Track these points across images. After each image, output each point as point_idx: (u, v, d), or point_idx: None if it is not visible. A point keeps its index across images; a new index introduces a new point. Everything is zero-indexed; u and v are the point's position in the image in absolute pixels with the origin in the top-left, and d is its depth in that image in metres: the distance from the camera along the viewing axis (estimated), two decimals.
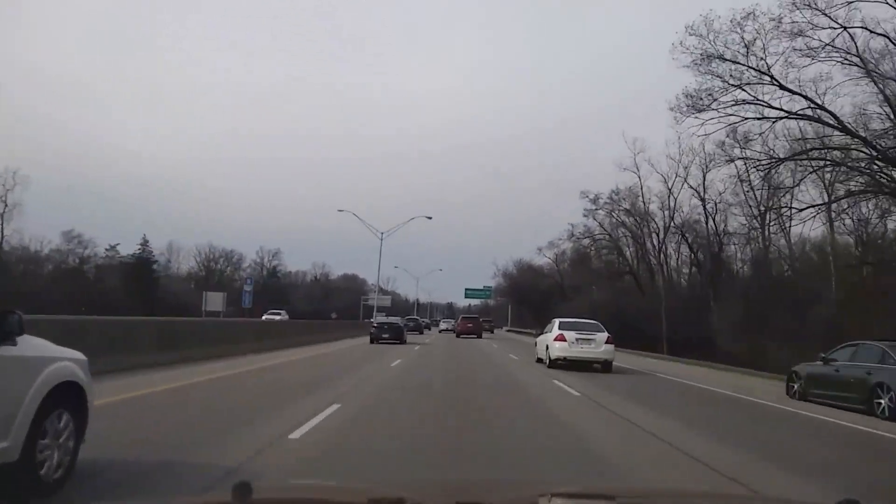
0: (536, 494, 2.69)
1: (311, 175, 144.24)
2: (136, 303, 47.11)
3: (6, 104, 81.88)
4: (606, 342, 19.02)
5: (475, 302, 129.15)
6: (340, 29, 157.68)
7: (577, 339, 18.98)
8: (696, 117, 26.56)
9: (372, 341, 30.18)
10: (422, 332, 51.28)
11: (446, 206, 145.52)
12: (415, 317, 63.06)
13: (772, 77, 24.72)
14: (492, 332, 64.20)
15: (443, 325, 66.19)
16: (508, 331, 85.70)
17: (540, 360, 21.44)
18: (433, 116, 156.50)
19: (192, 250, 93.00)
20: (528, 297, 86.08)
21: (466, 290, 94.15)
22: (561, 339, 19.07)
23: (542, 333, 22.28)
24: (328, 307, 73.61)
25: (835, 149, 26.05)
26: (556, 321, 20.45)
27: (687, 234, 49.15)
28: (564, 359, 18.95)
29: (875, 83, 23.35)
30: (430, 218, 51.25)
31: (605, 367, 19.02)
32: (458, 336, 47.09)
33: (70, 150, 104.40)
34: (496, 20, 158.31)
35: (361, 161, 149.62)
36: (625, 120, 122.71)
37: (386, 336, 30.42)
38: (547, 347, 19.78)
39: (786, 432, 9.81)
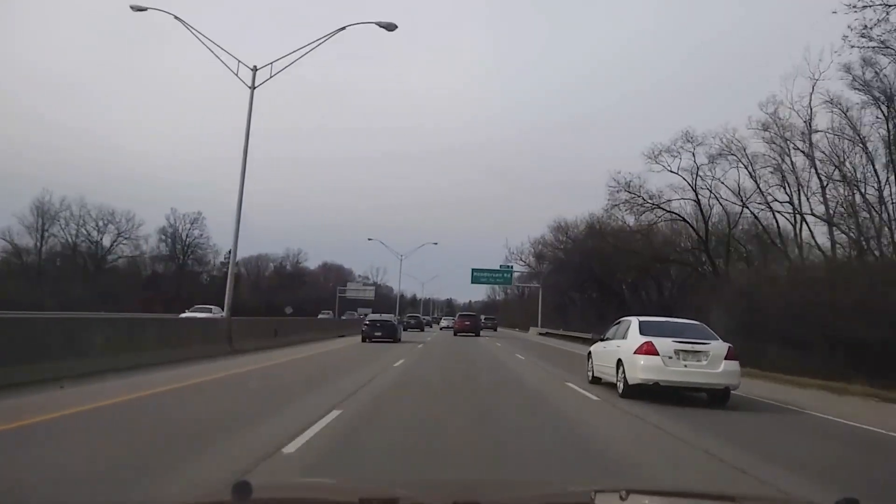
0: (535, 495, 2.68)
1: (307, 169, 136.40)
2: None
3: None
4: (727, 357, 11.28)
5: (478, 298, 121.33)
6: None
7: (676, 352, 11.20)
8: None
9: (363, 339, 28.64)
10: (423, 330, 52.37)
11: (446, 206, 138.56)
12: (416, 314, 62.83)
13: None
14: (494, 330, 59.18)
15: (444, 323, 65.69)
16: (543, 333, 54.42)
17: (597, 381, 13.80)
18: (432, 116, 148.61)
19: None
20: (596, 273, 49.35)
21: (473, 271, 63.32)
22: (649, 350, 11.30)
23: (600, 339, 14.54)
24: (289, 300, 63.89)
25: None
26: (634, 321, 12.66)
27: None
28: (656, 383, 11.22)
29: None
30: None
31: (721, 397, 11.40)
32: (455, 334, 44.11)
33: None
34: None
35: (361, 159, 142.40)
36: (624, 119, 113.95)
37: (378, 334, 28.91)
38: (620, 364, 12.03)
39: None
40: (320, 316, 57.54)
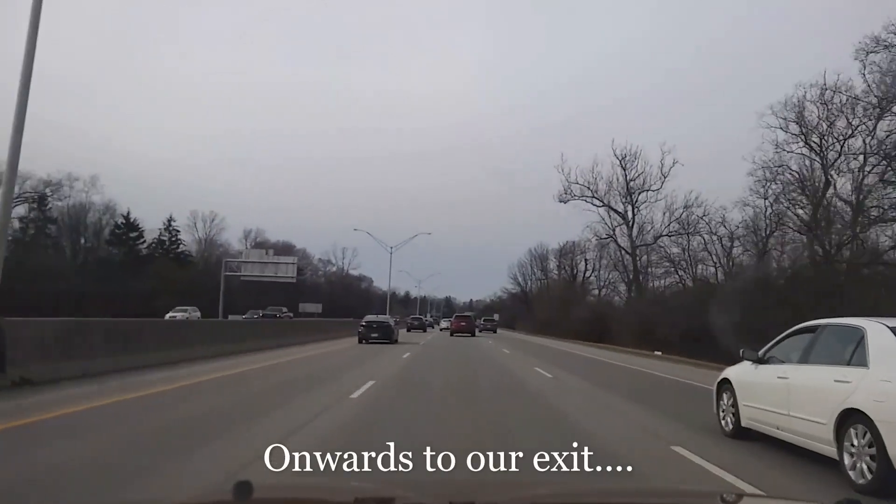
0: (534, 495, 2.61)
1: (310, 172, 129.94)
2: None
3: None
4: None
5: (478, 297, 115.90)
6: (342, 28, 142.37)
7: None
8: None
9: (360, 341, 28.78)
10: (425, 330, 55.25)
11: (446, 205, 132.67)
12: (420, 316, 65.77)
13: None
14: (494, 332, 58.99)
15: (443, 324, 66.57)
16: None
17: (743, 432, 7.72)
18: (432, 116, 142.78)
19: None
20: None
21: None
22: None
23: (758, 359, 7.77)
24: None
25: None
26: (879, 329, 6.08)
27: None
28: None
29: None
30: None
31: None
32: (452, 334, 45.68)
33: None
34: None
35: (360, 159, 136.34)
36: (619, 120, 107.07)
37: (375, 336, 28.90)
38: (857, 419, 5.51)
39: None
40: (169, 315, 38.59)
